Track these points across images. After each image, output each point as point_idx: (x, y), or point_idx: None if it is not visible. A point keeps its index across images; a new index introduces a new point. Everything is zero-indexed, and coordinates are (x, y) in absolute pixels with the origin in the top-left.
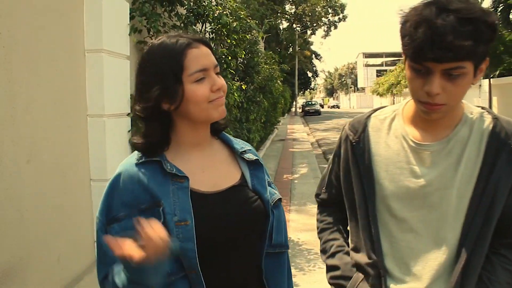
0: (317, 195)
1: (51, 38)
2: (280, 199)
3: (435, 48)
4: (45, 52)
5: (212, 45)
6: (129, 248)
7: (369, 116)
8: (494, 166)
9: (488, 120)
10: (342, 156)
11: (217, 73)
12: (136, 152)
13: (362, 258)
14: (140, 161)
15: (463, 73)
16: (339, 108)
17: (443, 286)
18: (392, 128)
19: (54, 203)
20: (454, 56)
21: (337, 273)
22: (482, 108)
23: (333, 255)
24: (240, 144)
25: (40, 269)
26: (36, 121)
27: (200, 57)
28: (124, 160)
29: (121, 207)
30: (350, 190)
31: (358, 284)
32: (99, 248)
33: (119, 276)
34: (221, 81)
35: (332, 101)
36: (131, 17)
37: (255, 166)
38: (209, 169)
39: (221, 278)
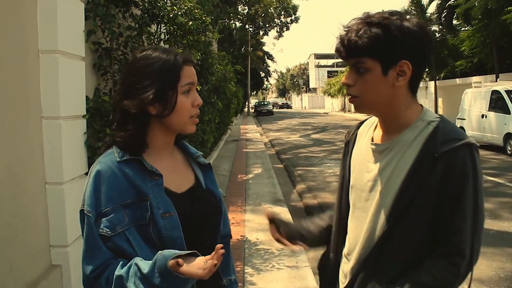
0: None
1: (3, 38)
2: (224, 197)
3: (338, 45)
4: None
5: (167, 47)
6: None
7: (363, 121)
8: (418, 171)
9: (430, 128)
10: (343, 152)
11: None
12: (112, 150)
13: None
14: (123, 159)
15: (366, 68)
16: (291, 108)
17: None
18: (369, 132)
19: (7, 208)
20: (350, 52)
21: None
22: (440, 116)
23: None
24: (194, 149)
25: None
26: None
27: (191, 73)
28: (101, 158)
29: (107, 202)
30: (339, 179)
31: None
32: (91, 241)
33: (134, 283)
34: (200, 99)
35: (283, 100)
36: (85, 18)
37: (207, 168)
38: (172, 171)
39: None
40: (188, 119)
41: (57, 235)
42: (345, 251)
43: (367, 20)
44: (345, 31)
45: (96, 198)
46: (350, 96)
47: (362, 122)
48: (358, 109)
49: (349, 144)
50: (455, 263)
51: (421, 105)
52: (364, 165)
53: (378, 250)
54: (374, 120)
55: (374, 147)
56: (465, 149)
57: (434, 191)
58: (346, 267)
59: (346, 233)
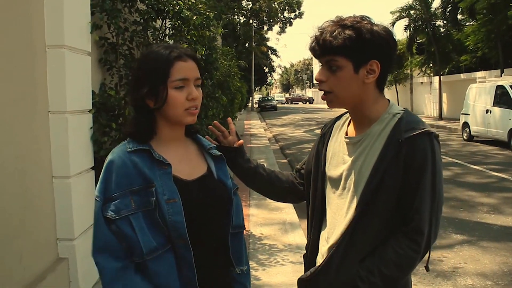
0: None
1: (10, 34)
2: (237, 188)
3: (313, 44)
4: (4, 48)
5: (172, 42)
6: None
7: (340, 116)
8: (385, 157)
9: (395, 120)
10: (316, 142)
11: (197, 86)
12: (125, 142)
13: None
14: (132, 149)
15: (338, 66)
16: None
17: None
18: (343, 126)
19: (15, 202)
20: (325, 50)
21: None
22: (404, 109)
23: None
24: (207, 142)
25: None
26: None
27: (185, 68)
28: (114, 149)
29: (116, 188)
30: (312, 168)
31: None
32: (95, 223)
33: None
34: (197, 92)
35: (305, 94)
36: (91, 13)
37: (220, 160)
38: (184, 160)
39: (194, 253)
40: (183, 111)
41: (64, 228)
42: (325, 235)
43: (341, 23)
44: (320, 32)
45: (106, 184)
46: (323, 92)
47: (338, 117)
48: (330, 104)
49: (325, 136)
50: (416, 240)
51: (388, 99)
52: (340, 157)
53: (349, 231)
54: (348, 115)
55: (348, 140)
56: (425, 137)
57: (399, 175)
58: (323, 249)
59: (321, 219)
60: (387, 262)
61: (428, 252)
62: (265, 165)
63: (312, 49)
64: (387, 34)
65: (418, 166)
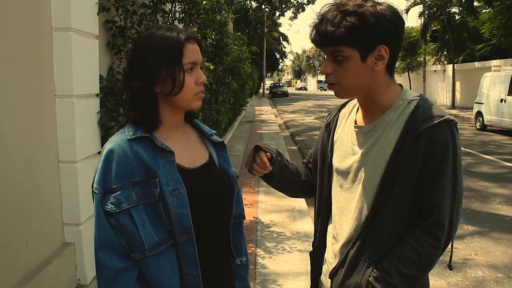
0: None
1: (16, 17)
2: (237, 176)
3: (314, 35)
4: (10, 30)
5: (181, 26)
6: None
7: (345, 104)
8: (402, 149)
9: (411, 107)
10: (321, 133)
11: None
12: (124, 129)
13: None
14: (133, 137)
15: (344, 57)
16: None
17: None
18: (351, 114)
19: (21, 186)
20: (327, 41)
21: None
22: (419, 95)
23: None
24: (207, 128)
25: (5, 255)
26: (1, 103)
27: (194, 51)
28: (113, 137)
29: (116, 179)
30: (318, 161)
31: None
32: (96, 217)
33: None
34: (204, 76)
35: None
36: None
37: (221, 147)
38: (185, 148)
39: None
40: (193, 96)
41: (70, 213)
42: (333, 232)
43: (341, 8)
44: (319, 19)
45: (105, 175)
46: (328, 84)
47: (343, 105)
48: (338, 95)
49: (330, 126)
50: (435, 235)
51: (400, 84)
52: (349, 148)
53: (366, 228)
54: (355, 102)
55: (357, 129)
56: (445, 126)
57: (416, 167)
58: (335, 247)
59: (328, 214)
60: (405, 261)
61: (451, 250)
62: None
63: (313, 40)
64: (393, 14)
65: (438, 156)
